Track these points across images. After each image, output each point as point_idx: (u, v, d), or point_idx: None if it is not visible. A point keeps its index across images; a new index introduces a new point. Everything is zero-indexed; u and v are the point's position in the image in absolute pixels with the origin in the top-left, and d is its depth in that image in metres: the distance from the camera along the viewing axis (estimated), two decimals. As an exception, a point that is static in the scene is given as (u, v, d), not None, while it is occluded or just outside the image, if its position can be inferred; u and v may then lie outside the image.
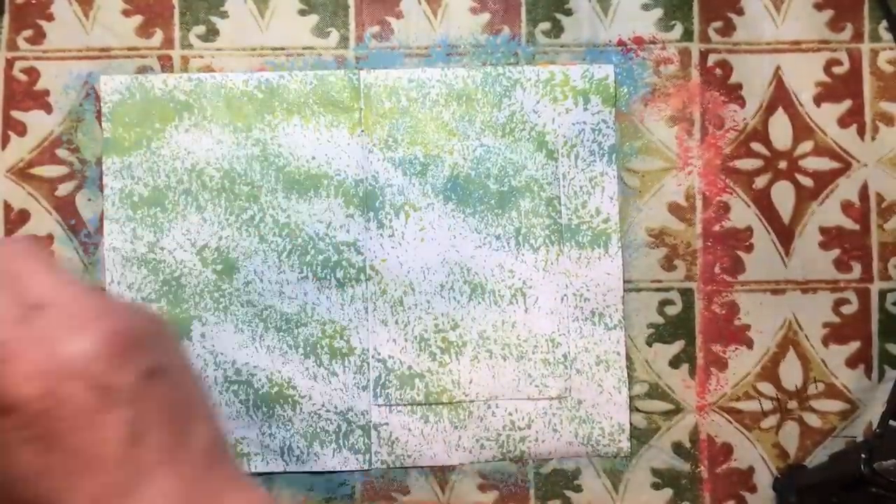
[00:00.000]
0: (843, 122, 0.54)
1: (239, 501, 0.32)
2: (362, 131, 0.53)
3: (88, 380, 0.30)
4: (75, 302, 0.31)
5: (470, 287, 0.52)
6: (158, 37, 0.54)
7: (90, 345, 0.30)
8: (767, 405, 0.53)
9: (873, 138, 0.54)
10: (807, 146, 0.54)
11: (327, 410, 0.52)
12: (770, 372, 0.53)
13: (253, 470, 0.52)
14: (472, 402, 0.52)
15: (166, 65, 0.54)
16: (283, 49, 0.54)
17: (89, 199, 0.53)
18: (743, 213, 0.53)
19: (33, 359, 0.29)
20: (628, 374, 0.53)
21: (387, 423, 0.52)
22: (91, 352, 0.30)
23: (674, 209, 0.53)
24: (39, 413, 0.29)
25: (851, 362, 0.53)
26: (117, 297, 0.32)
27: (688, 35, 0.54)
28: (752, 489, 0.53)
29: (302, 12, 0.54)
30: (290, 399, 0.52)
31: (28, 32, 0.53)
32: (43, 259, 0.33)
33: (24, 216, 0.53)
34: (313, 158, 0.53)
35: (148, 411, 0.31)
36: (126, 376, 0.30)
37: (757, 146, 0.54)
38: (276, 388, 0.52)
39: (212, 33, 0.54)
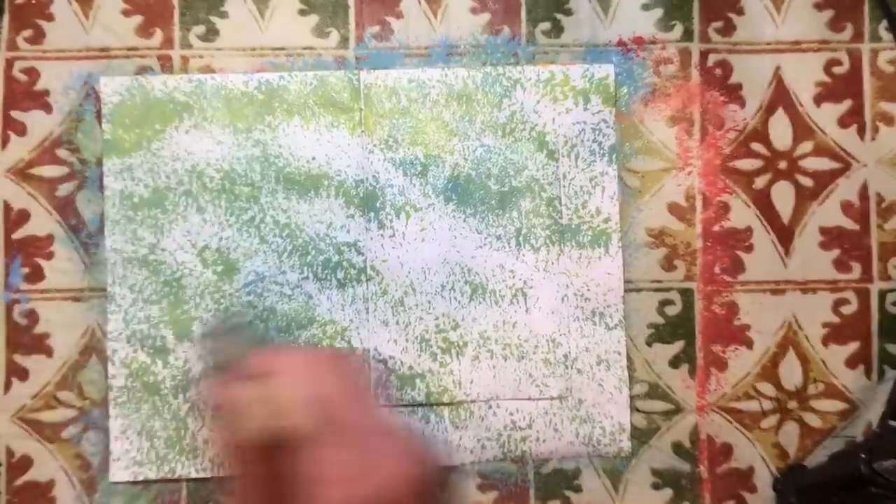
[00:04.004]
0: (843, 122, 0.54)
1: None
2: (362, 132, 0.53)
3: None
4: (383, 435, 0.36)
5: (471, 287, 0.52)
6: (158, 37, 0.54)
7: (398, 481, 0.34)
8: (767, 405, 0.53)
9: (873, 138, 0.54)
10: (807, 146, 0.54)
11: (328, 411, 0.52)
12: (770, 372, 0.53)
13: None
14: (472, 402, 0.52)
15: (166, 65, 0.53)
16: (283, 49, 0.54)
17: (90, 200, 0.53)
18: (743, 214, 0.53)
19: (346, 489, 0.34)
20: (628, 374, 0.53)
21: (387, 424, 0.52)
22: (395, 488, 0.34)
23: (674, 209, 0.53)
24: None
25: (851, 362, 0.53)
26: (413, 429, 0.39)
27: (688, 35, 0.54)
28: (752, 489, 0.53)
29: (302, 12, 0.54)
30: (291, 400, 0.52)
31: (28, 32, 0.53)
32: (354, 379, 0.39)
33: (24, 216, 0.53)
34: (313, 159, 0.53)
35: None
36: None
37: (757, 146, 0.54)
38: (277, 389, 0.52)
39: (212, 33, 0.54)
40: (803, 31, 0.54)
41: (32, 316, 0.53)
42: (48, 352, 0.53)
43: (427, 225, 0.52)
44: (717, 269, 0.53)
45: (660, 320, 0.53)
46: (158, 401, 0.52)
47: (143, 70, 0.53)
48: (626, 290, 0.53)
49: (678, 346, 0.53)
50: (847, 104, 0.54)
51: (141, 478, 0.52)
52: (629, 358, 0.53)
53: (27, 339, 0.53)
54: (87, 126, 0.53)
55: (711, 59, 0.54)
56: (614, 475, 0.53)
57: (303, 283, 0.52)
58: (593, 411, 0.53)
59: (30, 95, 0.53)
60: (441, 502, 0.38)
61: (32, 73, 0.53)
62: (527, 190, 0.53)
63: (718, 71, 0.54)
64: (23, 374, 0.52)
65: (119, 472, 0.52)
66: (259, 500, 0.37)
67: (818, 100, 0.54)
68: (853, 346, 0.53)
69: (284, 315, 0.52)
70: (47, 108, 0.53)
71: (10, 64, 0.53)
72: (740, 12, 0.54)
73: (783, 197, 0.54)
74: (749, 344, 0.53)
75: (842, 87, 0.54)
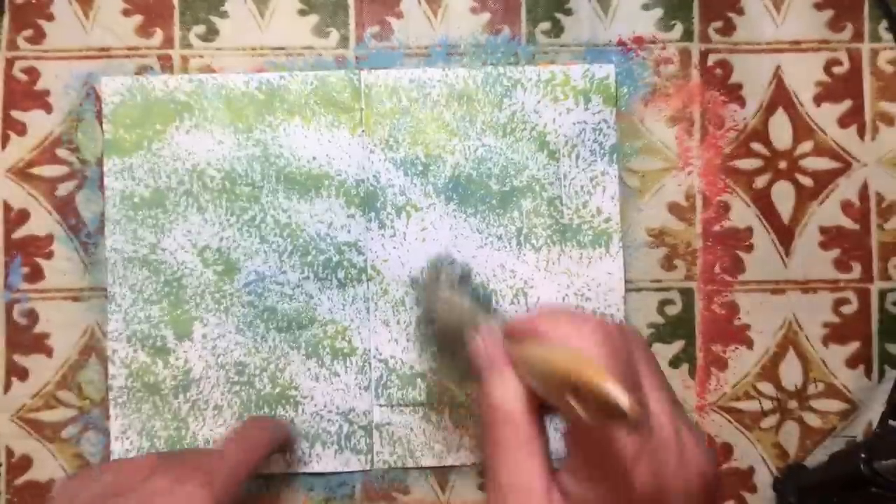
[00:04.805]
0: (843, 122, 0.54)
1: None
2: (363, 131, 0.53)
3: None
4: (678, 429, 0.32)
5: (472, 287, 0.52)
6: (158, 37, 0.54)
7: (690, 482, 0.31)
8: (767, 405, 0.53)
9: (873, 138, 0.54)
10: (807, 146, 0.54)
11: (329, 411, 0.52)
12: (770, 372, 0.53)
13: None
14: (473, 400, 0.52)
15: (166, 65, 0.53)
16: (283, 49, 0.54)
17: (89, 200, 0.53)
18: (743, 213, 0.54)
19: (644, 478, 0.30)
20: (629, 373, 0.53)
21: (389, 423, 0.52)
22: (689, 490, 0.31)
23: (674, 209, 0.54)
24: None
25: (851, 362, 0.53)
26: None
27: (688, 35, 0.54)
28: (752, 489, 0.53)
29: (302, 12, 0.54)
30: (292, 400, 0.52)
31: (28, 32, 0.53)
32: (653, 361, 0.34)
33: (23, 216, 0.53)
34: (314, 159, 0.53)
35: None
36: None
37: (757, 146, 0.54)
38: (278, 389, 0.52)
39: (212, 33, 0.54)
40: (803, 31, 0.54)
41: (32, 315, 0.53)
42: (48, 351, 0.53)
43: (428, 225, 0.52)
44: (717, 269, 0.53)
45: (660, 320, 0.53)
46: (159, 401, 0.52)
47: (143, 70, 0.53)
48: (626, 290, 0.53)
49: (678, 345, 0.53)
50: (847, 104, 0.54)
51: (141, 478, 0.52)
52: (629, 358, 0.53)
53: (27, 338, 0.53)
54: (87, 126, 0.53)
55: (711, 58, 0.54)
56: (614, 475, 0.53)
57: (303, 282, 0.52)
58: (594, 411, 0.52)
59: (30, 95, 0.53)
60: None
61: (32, 73, 0.53)
62: (528, 190, 0.53)
63: (718, 71, 0.54)
64: (23, 373, 0.52)
65: (119, 472, 0.52)
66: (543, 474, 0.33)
67: (818, 100, 0.54)
68: (853, 346, 0.53)
69: (285, 315, 0.52)
70: (47, 107, 0.53)
71: (10, 64, 0.53)
72: (740, 12, 0.54)
73: (783, 197, 0.54)
74: (749, 344, 0.53)
75: (842, 87, 0.54)
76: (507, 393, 0.34)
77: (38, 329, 0.53)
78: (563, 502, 0.32)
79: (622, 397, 0.27)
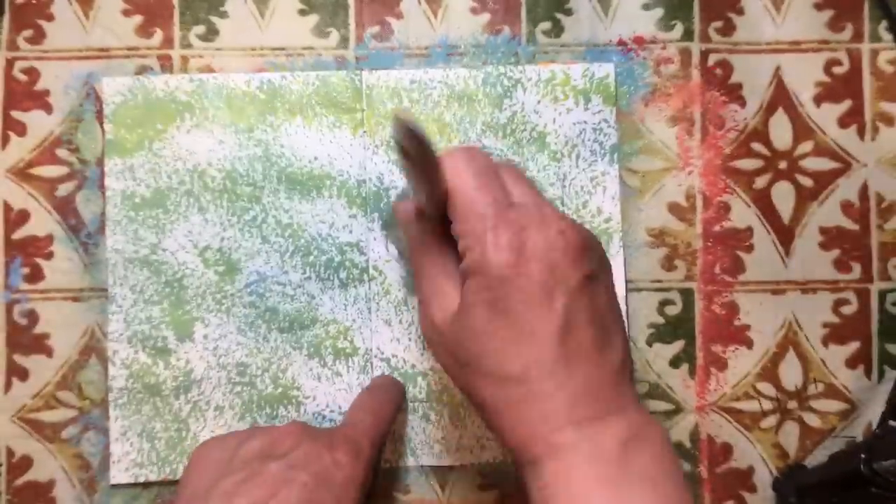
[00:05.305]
0: (843, 123, 0.54)
1: (636, 419, 0.37)
2: (364, 132, 0.53)
3: (546, 265, 0.36)
4: (540, 206, 0.39)
5: (472, 287, 0.52)
6: (158, 37, 0.54)
7: (552, 238, 0.37)
8: (767, 405, 0.53)
9: (873, 138, 0.54)
10: (807, 146, 0.54)
11: (332, 411, 0.52)
12: (770, 372, 0.53)
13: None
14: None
15: (166, 65, 0.53)
16: (282, 49, 0.54)
17: (89, 200, 0.53)
18: (743, 213, 0.54)
19: (508, 236, 0.36)
20: (629, 373, 0.53)
21: (389, 423, 0.52)
22: (552, 243, 0.36)
23: (674, 209, 0.54)
24: (501, 279, 0.36)
25: (851, 362, 0.53)
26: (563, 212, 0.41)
27: (688, 35, 0.54)
28: (752, 489, 0.53)
29: (302, 12, 0.54)
30: (294, 400, 0.52)
31: (28, 32, 0.53)
32: (518, 172, 0.42)
33: (24, 216, 0.53)
34: (315, 159, 0.53)
35: (582, 309, 0.37)
36: (574, 273, 0.37)
37: (757, 146, 0.54)
38: (280, 390, 0.52)
39: (212, 33, 0.54)
40: (803, 31, 0.54)
41: (32, 316, 0.53)
42: (48, 352, 0.53)
43: (429, 225, 0.52)
44: (717, 269, 0.53)
45: (660, 320, 0.53)
46: (159, 402, 0.52)
47: (143, 70, 0.53)
48: (626, 290, 0.53)
49: (678, 345, 0.53)
50: (847, 104, 0.54)
51: (142, 479, 0.52)
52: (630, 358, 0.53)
53: (27, 339, 0.53)
54: (87, 126, 0.53)
55: (712, 58, 0.54)
56: (615, 475, 0.53)
57: (305, 283, 0.52)
58: (594, 411, 0.52)
59: (30, 95, 0.53)
60: (605, 265, 0.40)
61: (32, 73, 0.53)
62: (529, 190, 0.53)
63: (719, 71, 0.54)
64: (23, 374, 0.52)
65: (119, 475, 0.52)
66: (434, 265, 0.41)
67: (818, 100, 0.54)
68: (853, 346, 0.53)
69: (287, 315, 0.52)
70: (47, 108, 0.53)
71: (10, 64, 0.53)
72: (740, 12, 0.54)
73: (783, 197, 0.54)
74: (749, 344, 0.53)
75: (842, 87, 0.54)
76: (421, 235, 0.42)
77: (38, 329, 0.53)
78: (460, 280, 0.39)
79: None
